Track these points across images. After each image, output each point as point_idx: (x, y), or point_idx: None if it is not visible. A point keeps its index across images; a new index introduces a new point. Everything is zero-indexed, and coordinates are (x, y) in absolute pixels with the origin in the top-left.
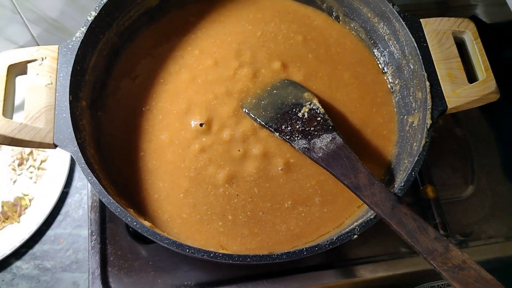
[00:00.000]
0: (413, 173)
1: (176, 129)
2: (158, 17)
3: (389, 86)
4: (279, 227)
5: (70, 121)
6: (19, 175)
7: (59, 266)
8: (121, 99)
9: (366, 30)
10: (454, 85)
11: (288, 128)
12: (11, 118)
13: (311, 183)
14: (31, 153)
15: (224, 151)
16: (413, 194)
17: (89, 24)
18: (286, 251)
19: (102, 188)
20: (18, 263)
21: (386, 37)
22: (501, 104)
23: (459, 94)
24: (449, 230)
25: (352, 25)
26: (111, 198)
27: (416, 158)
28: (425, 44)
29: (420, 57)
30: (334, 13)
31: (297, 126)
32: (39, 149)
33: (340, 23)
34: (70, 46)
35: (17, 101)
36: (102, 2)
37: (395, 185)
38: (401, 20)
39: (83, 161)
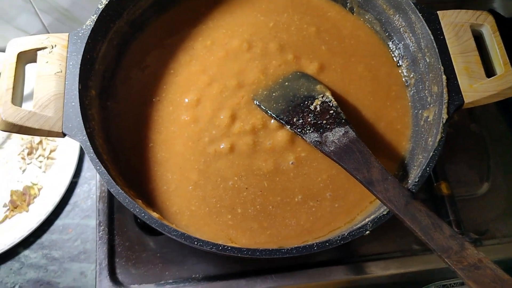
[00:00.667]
0: (427, 168)
1: (185, 122)
2: (169, 7)
3: (403, 79)
4: (289, 221)
5: (79, 110)
6: (28, 164)
7: (67, 256)
8: (130, 90)
9: (381, 22)
10: (472, 79)
11: (300, 121)
12: (20, 106)
13: (322, 177)
14: (40, 142)
15: (234, 144)
16: (427, 190)
17: (99, 12)
18: (296, 245)
19: (111, 178)
20: (26, 252)
21: (401, 30)
22: None
23: (476, 89)
24: (463, 228)
25: (366, 17)
26: (119, 189)
27: (431, 154)
28: (442, 37)
29: (437, 50)
30: (348, 4)
31: (309, 119)
32: (48, 138)
33: (354, 14)
34: (80, 35)
35: (26, 91)
36: None
37: (409, 181)
38: (418, 12)
39: (91, 150)
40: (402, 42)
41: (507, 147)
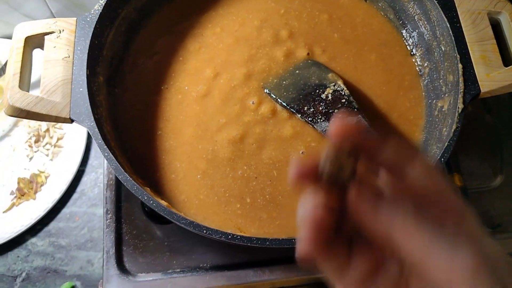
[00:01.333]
0: (442, 159)
1: (194, 110)
2: None
3: (417, 68)
4: None
5: (87, 95)
6: (35, 152)
7: (74, 244)
8: (139, 77)
9: (394, 10)
10: (488, 68)
11: (311, 110)
12: (28, 91)
13: None
14: (47, 130)
15: (244, 133)
16: None
17: None
18: None
19: (119, 165)
20: (33, 239)
21: (416, 17)
22: None
23: (493, 78)
24: None
25: (380, 4)
26: (127, 175)
27: (446, 144)
28: (458, 25)
29: (453, 38)
30: None
31: (320, 108)
32: (55, 126)
33: (368, 2)
34: (88, 19)
35: (33, 78)
36: None
37: None
38: None
39: (99, 136)
40: (417, 30)
41: None
